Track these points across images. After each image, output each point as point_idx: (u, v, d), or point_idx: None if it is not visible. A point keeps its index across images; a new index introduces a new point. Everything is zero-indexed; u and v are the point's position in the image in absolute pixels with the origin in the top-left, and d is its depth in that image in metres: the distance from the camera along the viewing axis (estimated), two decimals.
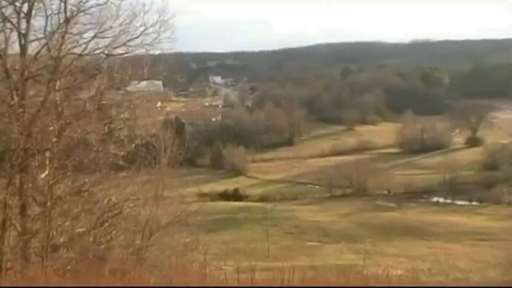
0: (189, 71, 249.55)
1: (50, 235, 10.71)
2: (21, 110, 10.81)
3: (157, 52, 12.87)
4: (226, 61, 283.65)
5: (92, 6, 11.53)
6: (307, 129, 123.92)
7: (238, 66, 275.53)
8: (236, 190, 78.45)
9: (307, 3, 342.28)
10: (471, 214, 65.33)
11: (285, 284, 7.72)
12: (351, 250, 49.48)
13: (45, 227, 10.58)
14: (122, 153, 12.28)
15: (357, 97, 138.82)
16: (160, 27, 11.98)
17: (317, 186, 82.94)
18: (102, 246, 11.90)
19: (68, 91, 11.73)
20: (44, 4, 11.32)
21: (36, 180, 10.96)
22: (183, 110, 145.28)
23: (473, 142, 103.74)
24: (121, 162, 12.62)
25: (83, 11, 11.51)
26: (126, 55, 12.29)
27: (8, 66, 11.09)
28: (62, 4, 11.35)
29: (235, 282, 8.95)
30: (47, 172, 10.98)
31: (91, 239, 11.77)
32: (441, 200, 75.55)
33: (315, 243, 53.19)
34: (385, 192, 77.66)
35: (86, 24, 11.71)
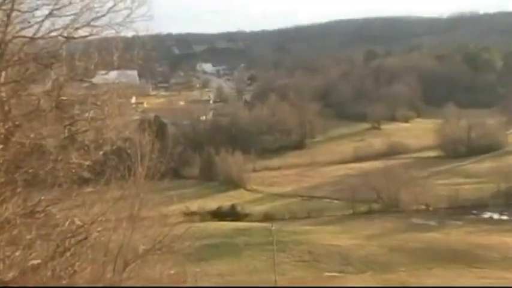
0: (171, 57, 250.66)
1: None
2: None
3: (130, 34, 12.85)
4: (217, 44, 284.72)
5: None
6: (322, 129, 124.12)
7: (233, 50, 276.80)
8: (233, 207, 78.48)
9: None
10: None
11: None
12: (380, 282, 49.41)
13: None
14: (87, 163, 12.23)
15: (385, 87, 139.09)
16: (133, 3, 11.98)
17: (336, 201, 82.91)
18: (64, 282, 11.85)
19: (17, 85, 11.69)
20: None
21: None
22: (165, 106, 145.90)
23: None
24: (86, 175, 12.58)
25: None
26: (90, 38, 12.26)
27: None
28: None
29: None
30: None
31: (49, 272, 11.72)
32: (495, 216, 75.42)
33: (334, 274, 53.15)
34: (423, 207, 77.56)
35: None
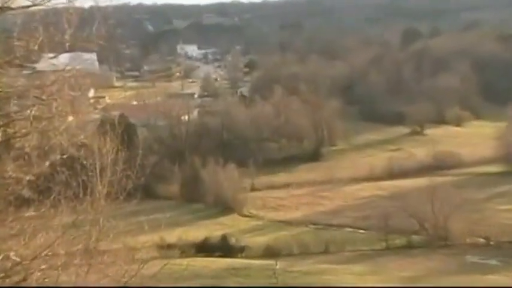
0: (143, 36, 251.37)
1: None
2: None
3: (87, 4, 12.84)
4: (205, 19, 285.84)
5: None
6: (345, 134, 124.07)
7: (226, 27, 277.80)
8: (224, 239, 78.36)
9: None
10: None
11: None
12: None
13: None
14: (28, 178, 12.20)
15: (430, 78, 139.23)
16: None
17: (362, 231, 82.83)
18: None
19: None
20: None
21: None
22: (134, 102, 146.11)
23: None
24: (26, 193, 12.53)
25: None
26: (33, 9, 12.26)
27: None
28: None
29: None
30: None
31: None
32: None
33: None
34: (481, 240, 77.44)
35: None
